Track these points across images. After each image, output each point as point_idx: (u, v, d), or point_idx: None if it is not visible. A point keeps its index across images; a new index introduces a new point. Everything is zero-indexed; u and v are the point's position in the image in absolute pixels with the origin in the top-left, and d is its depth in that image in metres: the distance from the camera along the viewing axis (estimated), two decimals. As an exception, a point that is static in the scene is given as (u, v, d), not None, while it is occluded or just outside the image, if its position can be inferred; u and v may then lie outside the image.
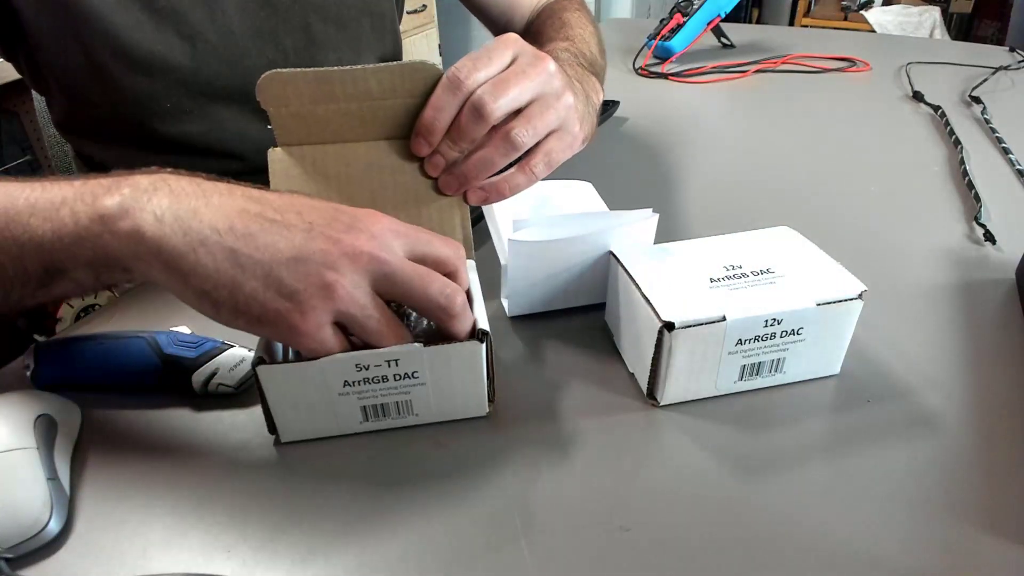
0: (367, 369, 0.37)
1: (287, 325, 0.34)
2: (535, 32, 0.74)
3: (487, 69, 0.42)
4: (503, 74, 0.42)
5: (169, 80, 0.58)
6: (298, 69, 0.41)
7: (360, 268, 0.34)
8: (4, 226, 0.35)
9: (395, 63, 0.42)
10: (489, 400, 0.40)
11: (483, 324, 0.37)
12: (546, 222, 0.45)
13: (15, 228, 0.35)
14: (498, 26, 0.82)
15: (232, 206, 0.34)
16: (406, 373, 0.37)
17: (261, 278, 0.33)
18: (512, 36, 0.44)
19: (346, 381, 0.37)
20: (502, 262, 0.47)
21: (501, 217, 0.50)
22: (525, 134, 0.43)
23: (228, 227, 0.33)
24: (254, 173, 0.44)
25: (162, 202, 0.33)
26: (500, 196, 0.45)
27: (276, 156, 0.43)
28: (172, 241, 0.33)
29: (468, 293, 0.40)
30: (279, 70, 0.41)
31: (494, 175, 0.45)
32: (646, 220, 0.46)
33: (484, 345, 0.37)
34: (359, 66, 0.41)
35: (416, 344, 0.36)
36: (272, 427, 0.39)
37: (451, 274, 0.38)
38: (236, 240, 0.33)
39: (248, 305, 0.33)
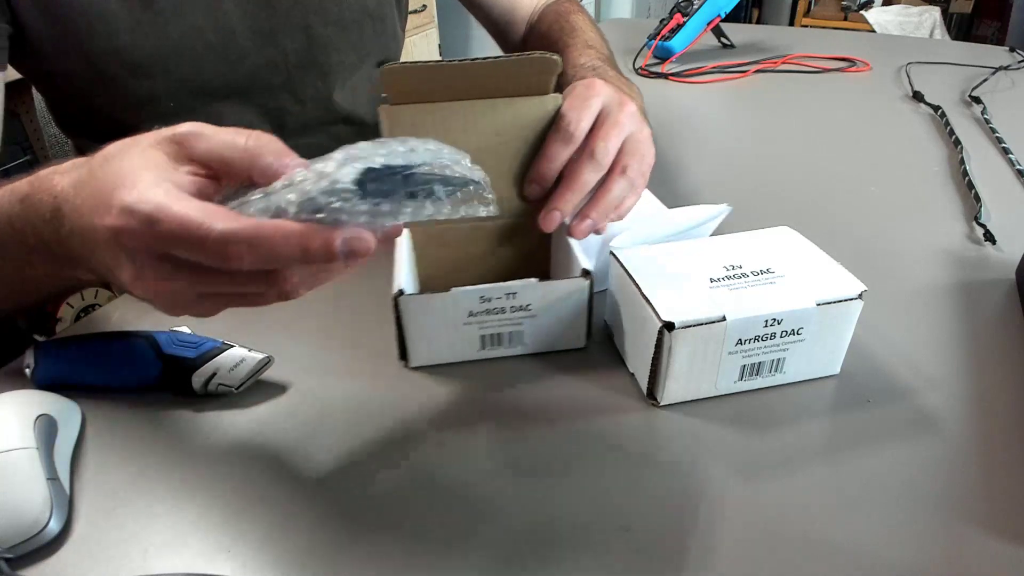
0: (489, 301, 0.42)
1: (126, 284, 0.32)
2: (542, 35, 0.74)
3: (588, 120, 0.46)
4: (607, 126, 0.46)
5: (171, 81, 0.59)
6: (419, 63, 0.41)
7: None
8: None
9: (513, 57, 0.42)
10: (587, 335, 0.45)
11: (586, 264, 0.43)
12: (639, 226, 0.48)
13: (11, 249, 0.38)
14: (498, 27, 0.82)
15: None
16: (521, 305, 0.42)
17: (111, 258, 0.32)
18: (599, 83, 0.48)
19: (470, 311, 0.42)
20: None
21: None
22: (637, 170, 0.47)
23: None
24: None
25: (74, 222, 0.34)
26: (619, 216, 0.48)
27: (395, 113, 0.43)
28: (81, 251, 0.33)
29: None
30: (402, 64, 0.41)
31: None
32: (721, 215, 0.51)
33: (588, 282, 0.42)
34: (478, 60, 0.42)
35: (532, 279, 0.42)
36: (404, 353, 0.44)
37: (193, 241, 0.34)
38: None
39: (129, 286, 0.32)
